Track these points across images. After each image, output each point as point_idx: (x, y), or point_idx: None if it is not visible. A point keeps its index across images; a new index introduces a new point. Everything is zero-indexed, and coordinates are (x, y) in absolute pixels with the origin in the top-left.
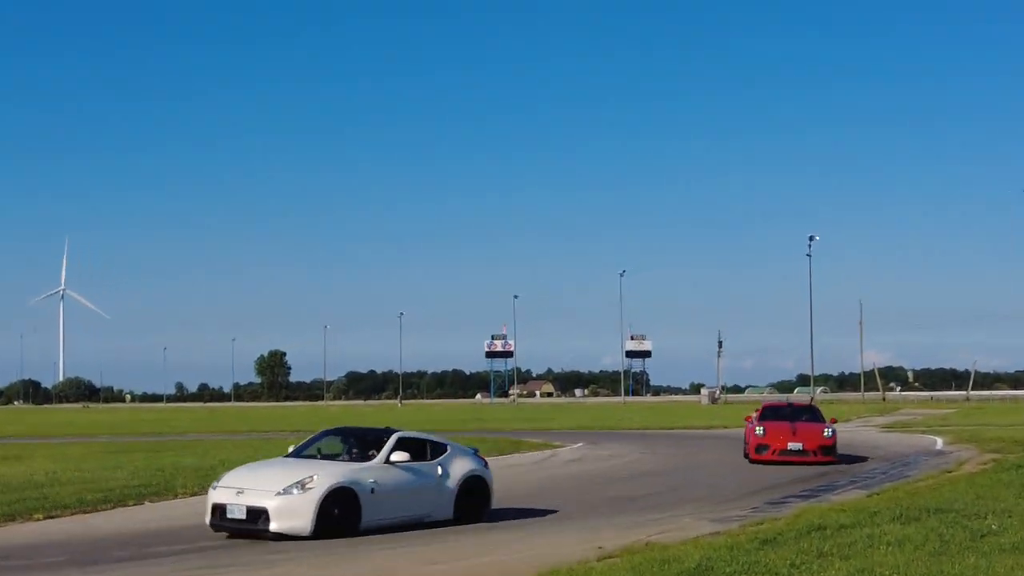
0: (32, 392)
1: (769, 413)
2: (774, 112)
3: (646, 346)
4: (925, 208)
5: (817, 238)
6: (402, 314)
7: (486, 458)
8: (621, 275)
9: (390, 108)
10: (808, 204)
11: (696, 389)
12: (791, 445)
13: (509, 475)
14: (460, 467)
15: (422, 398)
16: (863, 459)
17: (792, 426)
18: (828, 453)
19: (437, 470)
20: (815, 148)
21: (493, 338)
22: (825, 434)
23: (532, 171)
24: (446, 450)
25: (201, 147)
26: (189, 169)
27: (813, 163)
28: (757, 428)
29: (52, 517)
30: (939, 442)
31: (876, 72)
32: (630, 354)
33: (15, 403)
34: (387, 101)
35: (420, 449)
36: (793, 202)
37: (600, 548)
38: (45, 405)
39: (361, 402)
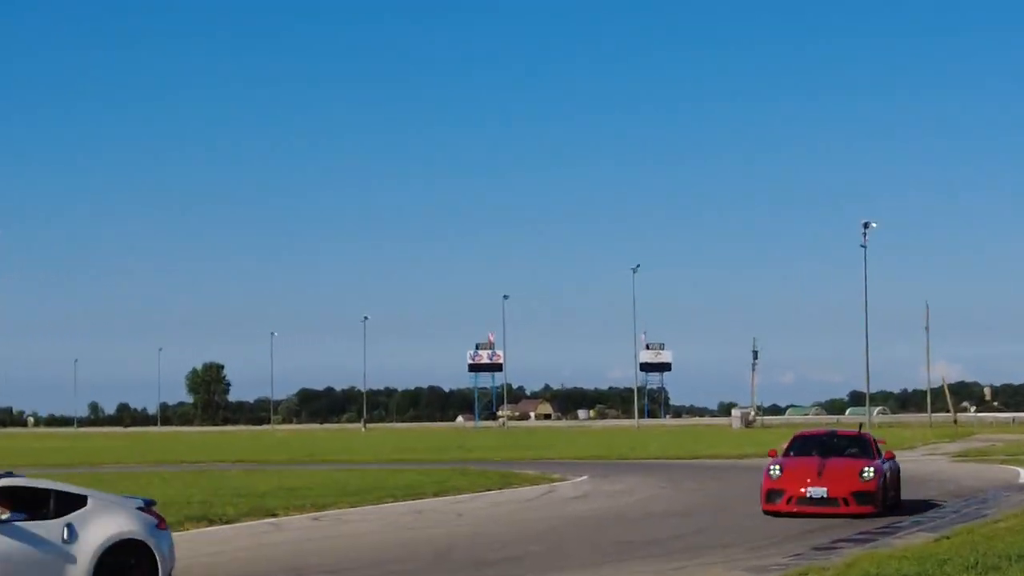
0: None
1: (799, 445)
2: (817, 74)
3: (664, 357)
4: (1005, 191)
5: (874, 225)
6: (366, 319)
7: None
8: (634, 271)
9: (354, 74)
10: (862, 186)
11: (726, 410)
12: (811, 491)
13: (498, 515)
14: (102, 529)
15: (391, 421)
16: (928, 498)
17: (821, 464)
18: (865, 501)
19: (61, 533)
20: (869, 117)
21: (478, 348)
22: (864, 475)
23: (524, 147)
24: (84, 503)
25: (116, 123)
26: (103, 148)
27: (868, 135)
28: (772, 468)
29: None
30: (1023, 474)
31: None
32: (645, 367)
33: None
34: (351, 65)
35: (35, 501)
36: (844, 184)
37: None
38: None
39: (316, 426)
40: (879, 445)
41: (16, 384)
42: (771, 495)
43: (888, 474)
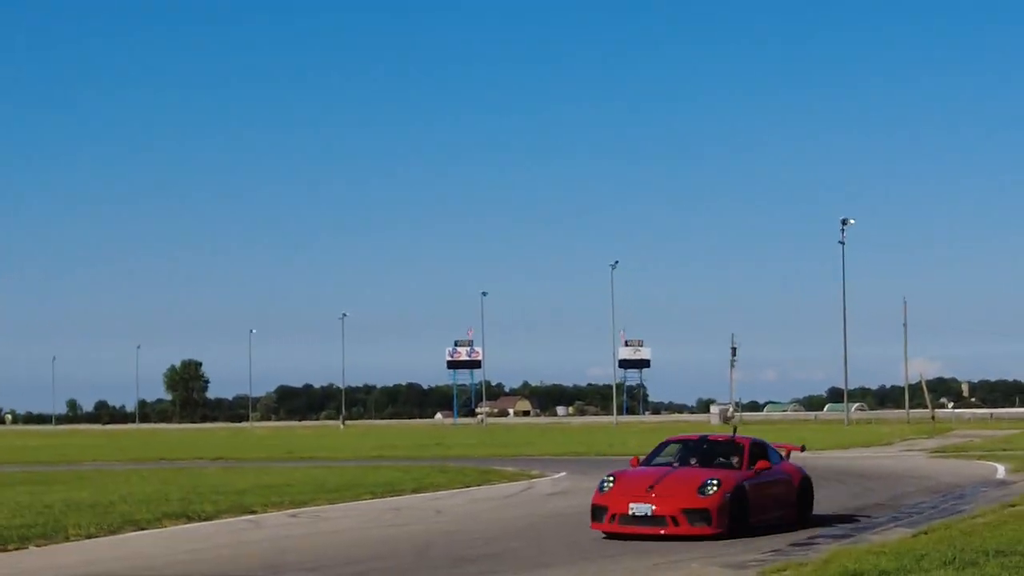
0: None
1: (660, 452)
2: (796, 72)
3: (644, 354)
4: (984, 189)
5: (852, 222)
6: (344, 316)
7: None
8: (613, 267)
9: (329, 69)
10: (842, 184)
11: (705, 406)
12: (635, 508)
13: (476, 512)
14: None
15: (370, 418)
16: (860, 509)
17: (663, 475)
18: (700, 521)
19: None
20: (848, 114)
21: (456, 345)
22: (705, 490)
23: (503, 144)
24: None
25: (91, 119)
26: (81, 145)
27: (847, 133)
28: (606, 480)
29: None
30: (1001, 470)
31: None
32: (624, 363)
33: None
34: (323, 60)
35: None
36: (824, 181)
37: None
38: None
39: (295, 423)
40: (778, 451)
41: None
42: (595, 512)
43: (756, 488)
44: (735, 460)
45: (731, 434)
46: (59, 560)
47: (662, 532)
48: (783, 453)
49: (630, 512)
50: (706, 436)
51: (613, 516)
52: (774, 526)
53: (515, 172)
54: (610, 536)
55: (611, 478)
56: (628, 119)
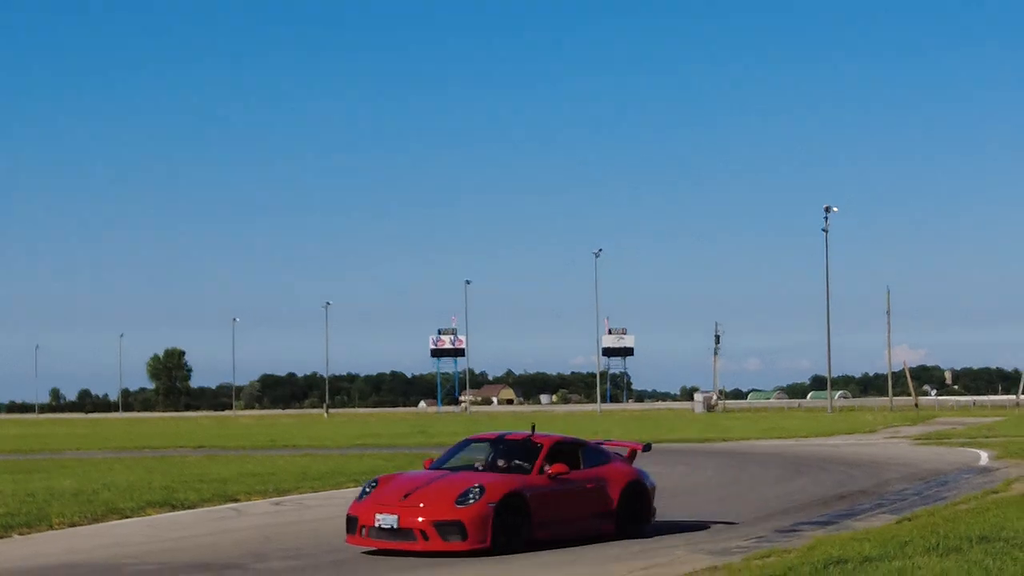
0: None
1: (454, 453)
2: (783, 49)
3: (627, 342)
4: (966, 179)
5: (835, 210)
6: (328, 304)
7: None
8: (596, 255)
9: (313, 49)
10: (825, 172)
11: (689, 394)
12: (382, 520)
13: None
14: None
15: (353, 406)
16: (717, 515)
17: (428, 480)
18: (454, 535)
19: None
20: (831, 103)
21: (440, 333)
22: (464, 500)
23: (485, 130)
24: None
25: (77, 102)
26: (64, 133)
27: (831, 119)
28: (368, 486)
29: None
30: (983, 456)
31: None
32: (608, 352)
33: None
34: (307, 41)
35: None
36: (807, 168)
37: None
38: None
39: (279, 412)
40: (610, 452)
41: None
42: (349, 523)
43: (544, 496)
44: (517, 462)
45: (529, 432)
46: (42, 548)
47: (415, 547)
48: (622, 453)
49: (376, 524)
50: (503, 435)
51: (363, 528)
52: (580, 539)
53: (499, 160)
54: (369, 552)
55: (374, 482)
56: (612, 107)
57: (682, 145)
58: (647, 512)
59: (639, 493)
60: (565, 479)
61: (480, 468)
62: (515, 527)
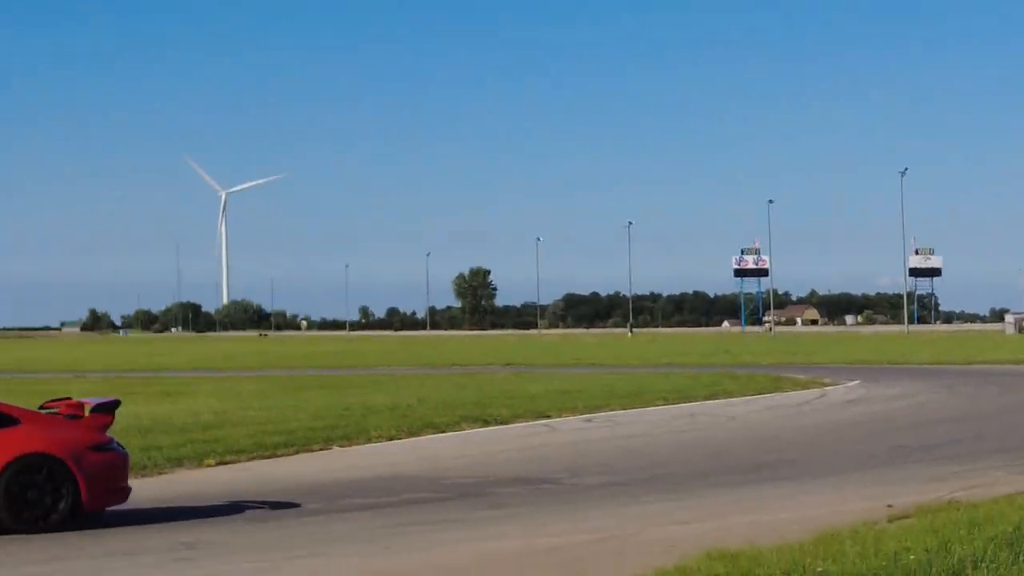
0: (192, 318)
1: None
2: None
3: (934, 263)
4: None
5: None
6: (630, 224)
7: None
8: (902, 174)
9: None
10: None
11: (998, 316)
12: None
13: (770, 419)
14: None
15: (656, 326)
16: None
17: None
18: None
19: None
20: None
21: (743, 253)
22: None
23: (788, 39)
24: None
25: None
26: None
27: None
28: None
29: (226, 463)
30: None
31: None
32: (914, 272)
33: (172, 330)
34: None
35: None
36: None
37: (890, 506)
38: (207, 333)
39: (582, 330)
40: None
41: (289, 289)
42: None
43: None
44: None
45: None
46: (362, 461)
47: None
48: (55, 414)
49: None
50: None
51: None
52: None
53: (802, 77)
54: None
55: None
56: (934, 26)
57: (992, 65)
58: (57, 502)
59: (18, 473)
60: None
61: None
62: None
